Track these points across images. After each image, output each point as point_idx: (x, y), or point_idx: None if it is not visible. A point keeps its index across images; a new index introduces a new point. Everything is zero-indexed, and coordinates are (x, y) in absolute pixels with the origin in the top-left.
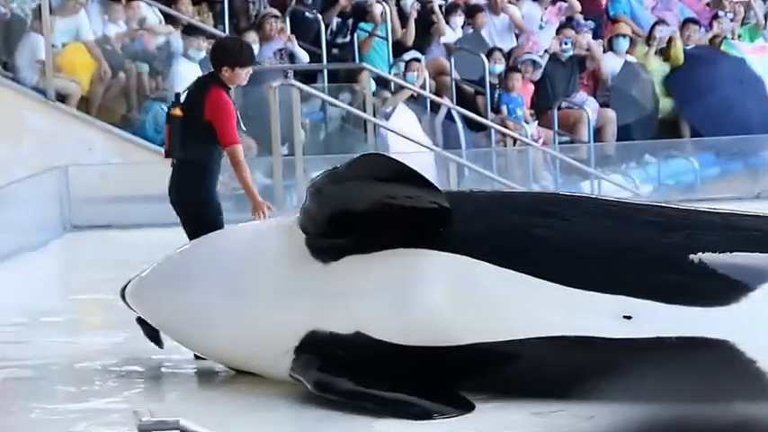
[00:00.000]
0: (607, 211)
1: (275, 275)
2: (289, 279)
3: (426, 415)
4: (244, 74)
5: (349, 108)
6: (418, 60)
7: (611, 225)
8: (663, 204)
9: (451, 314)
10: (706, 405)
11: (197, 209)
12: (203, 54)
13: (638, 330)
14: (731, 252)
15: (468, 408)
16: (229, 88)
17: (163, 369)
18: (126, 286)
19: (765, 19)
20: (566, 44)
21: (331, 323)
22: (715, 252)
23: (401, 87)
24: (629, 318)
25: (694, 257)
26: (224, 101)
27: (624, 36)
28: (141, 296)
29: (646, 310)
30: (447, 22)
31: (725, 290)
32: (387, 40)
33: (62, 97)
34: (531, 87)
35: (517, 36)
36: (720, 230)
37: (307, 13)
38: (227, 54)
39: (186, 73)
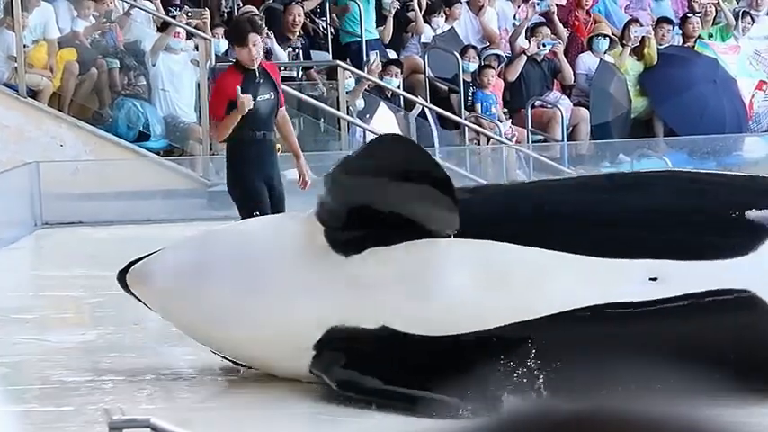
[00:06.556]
0: (616, 182)
1: (295, 269)
2: (309, 273)
3: (455, 413)
4: (245, 52)
5: (323, 106)
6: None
7: (622, 194)
8: (671, 170)
9: (477, 298)
10: (730, 362)
11: None
12: (182, 43)
13: (665, 290)
14: (743, 208)
15: (497, 405)
16: (245, 68)
17: (134, 367)
18: (126, 270)
19: (735, 19)
20: (544, 45)
21: (353, 317)
22: (728, 209)
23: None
24: (654, 279)
25: (708, 215)
26: (217, 80)
27: (605, 36)
28: (148, 283)
29: (669, 270)
30: (427, 21)
31: (741, 242)
32: (360, 37)
33: (33, 93)
34: (502, 84)
35: (489, 38)
36: (728, 190)
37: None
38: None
39: (171, 66)
